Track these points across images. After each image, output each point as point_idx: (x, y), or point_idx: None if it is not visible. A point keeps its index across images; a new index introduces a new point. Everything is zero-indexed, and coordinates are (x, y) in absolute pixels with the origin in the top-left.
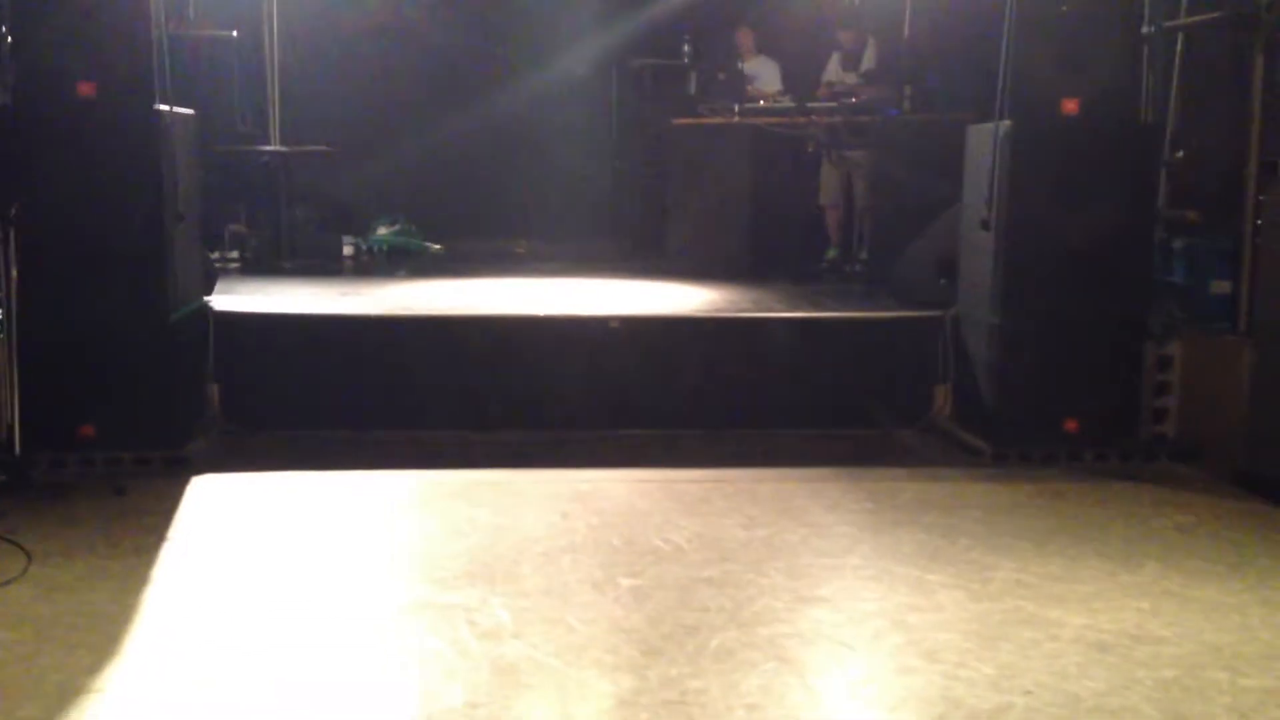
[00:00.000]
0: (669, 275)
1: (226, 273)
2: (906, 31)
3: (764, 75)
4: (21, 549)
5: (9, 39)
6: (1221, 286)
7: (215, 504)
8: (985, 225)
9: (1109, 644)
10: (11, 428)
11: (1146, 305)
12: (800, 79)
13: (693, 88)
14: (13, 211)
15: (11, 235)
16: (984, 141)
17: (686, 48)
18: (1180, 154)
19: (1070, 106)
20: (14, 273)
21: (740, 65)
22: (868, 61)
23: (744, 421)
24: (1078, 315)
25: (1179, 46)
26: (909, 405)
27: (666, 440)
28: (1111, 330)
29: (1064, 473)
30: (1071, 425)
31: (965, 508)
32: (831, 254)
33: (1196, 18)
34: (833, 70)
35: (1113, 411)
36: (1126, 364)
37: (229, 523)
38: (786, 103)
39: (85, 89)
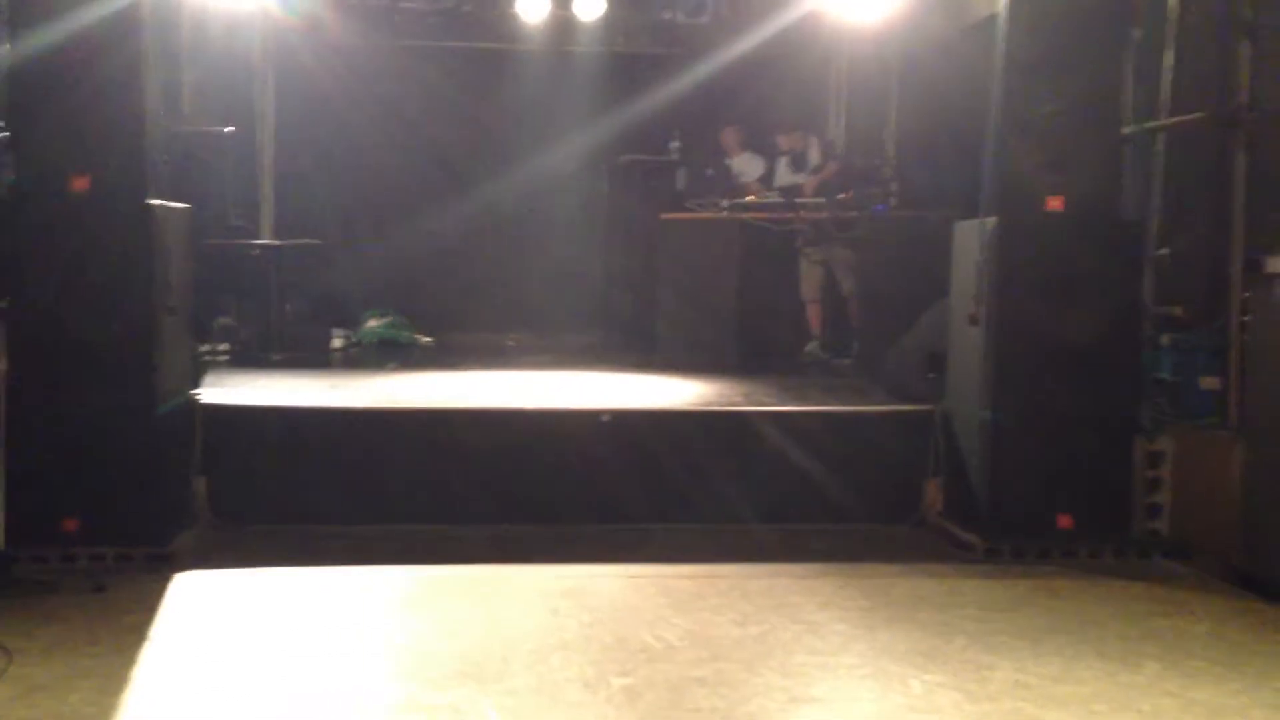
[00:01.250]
0: (658, 368)
1: (215, 365)
2: (893, 128)
3: (750, 172)
4: (1, 647)
5: (5, 133)
6: (1210, 382)
7: (199, 601)
8: (974, 321)
9: None
10: None
11: (1136, 400)
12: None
13: (680, 183)
14: (3, 304)
15: (2, 328)
16: (971, 238)
17: (674, 144)
18: (1164, 251)
19: (1055, 204)
20: (3, 365)
21: (727, 163)
22: (815, 159)
23: (735, 516)
24: (1068, 410)
25: (1161, 146)
26: (899, 500)
27: (657, 535)
28: (1102, 425)
29: (1059, 570)
30: (1064, 521)
31: (960, 605)
32: (812, 347)
33: (1177, 118)
34: (783, 174)
35: (1106, 507)
36: (1118, 459)
37: (212, 621)
38: (773, 198)
39: (79, 183)
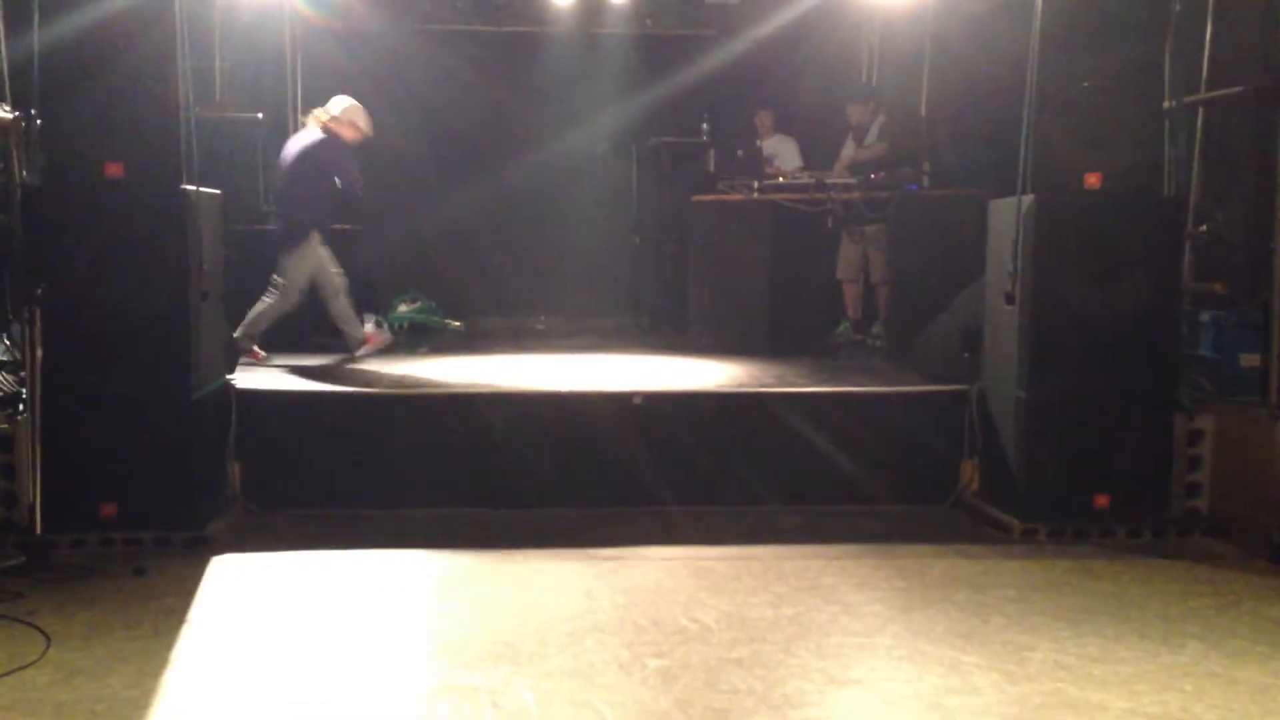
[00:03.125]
0: (690, 351)
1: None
2: (924, 107)
3: (783, 153)
4: (41, 631)
5: (38, 121)
6: (1251, 359)
7: (235, 584)
8: (1010, 299)
9: None
10: (32, 507)
11: (1175, 378)
12: (818, 155)
13: (711, 165)
14: (39, 291)
15: (37, 315)
16: (1007, 216)
17: (705, 126)
18: (1204, 227)
19: (1093, 181)
20: (39, 352)
21: (759, 144)
22: (872, 136)
23: (769, 497)
24: (1105, 389)
25: (1200, 120)
26: (935, 481)
27: (691, 517)
28: (1140, 404)
29: (1097, 550)
30: (1102, 501)
31: (997, 586)
32: (844, 328)
33: (1217, 92)
34: (849, 150)
35: (1144, 486)
36: (1156, 438)
37: (249, 604)
38: (805, 179)
39: (113, 170)
